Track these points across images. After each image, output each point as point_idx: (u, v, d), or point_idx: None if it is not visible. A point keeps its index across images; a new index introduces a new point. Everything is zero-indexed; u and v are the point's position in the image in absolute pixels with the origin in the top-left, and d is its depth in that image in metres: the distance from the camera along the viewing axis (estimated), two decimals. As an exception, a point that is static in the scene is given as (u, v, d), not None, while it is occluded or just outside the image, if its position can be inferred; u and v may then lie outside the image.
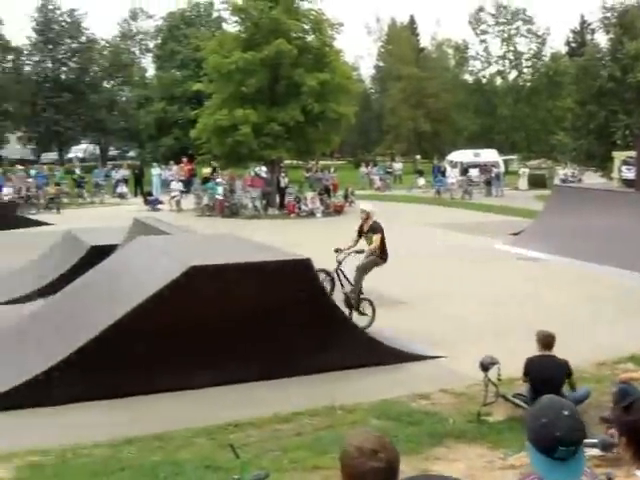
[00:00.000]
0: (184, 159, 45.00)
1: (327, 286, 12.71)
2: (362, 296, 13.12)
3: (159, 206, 35.13)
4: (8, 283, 15.52)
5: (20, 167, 43.93)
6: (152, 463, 7.42)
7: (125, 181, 43.57)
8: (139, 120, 65.14)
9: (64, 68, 71.31)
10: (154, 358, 9.31)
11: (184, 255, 10.67)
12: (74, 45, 70.76)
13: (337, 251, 13.26)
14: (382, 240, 13.10)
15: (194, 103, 49.04)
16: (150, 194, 38.13)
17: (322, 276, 12.45)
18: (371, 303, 13.08)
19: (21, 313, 11.95)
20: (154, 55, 74.62)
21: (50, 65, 70.90)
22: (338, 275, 13.15)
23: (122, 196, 41.15)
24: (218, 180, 35.40)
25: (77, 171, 45.28)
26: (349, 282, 13.15)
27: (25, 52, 71.22)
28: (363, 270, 13.03)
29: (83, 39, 71.26)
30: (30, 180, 38.89)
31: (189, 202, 35.59)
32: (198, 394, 9.29)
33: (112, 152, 77.07)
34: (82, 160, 64.57)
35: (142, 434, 8.18)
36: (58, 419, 8.71)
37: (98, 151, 75.56)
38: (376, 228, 13.10)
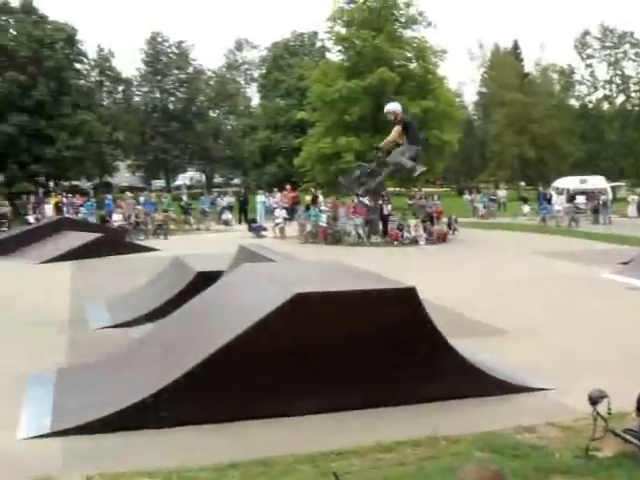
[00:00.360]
0: (288, 186, 45.57)
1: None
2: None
3: (263, 233, 35.63)
4: (118, 307, 15.97)
5: (129, 194, 45.28)
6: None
7: (230, 208, 44.39)
8: (244, 148, 66.46)
9: (172, 98, 73.62)
10: (258, 384, 9.41)
11: (289, 282, 10.76)
12: (182, 76, 73.05)
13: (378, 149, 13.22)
14: (405, 130, 12.89)
15: (298, 131, 49.83)
16: (254, 221, 38.75)
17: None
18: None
19: (130, 336, 12.27)
20: (259, 84, 76.28)
21: (158, 95, 73.28)
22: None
23: (227, 223, 41.92)
24: (322, 207, 35.68)
25: (184, 198, 46.40)
26: None
27: (135, 83, 73.90)
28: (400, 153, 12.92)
29: (190, 70, 73.48)
30: (139, 207, 40.04)
31: (293, 229, 35.95)
32: (301, 420, 9.31)
33: (217, 179, 78.70)
34: (189, 187, 66.16)
35: (246, 459, 8.22)
36: (164, 441, 8.87)
37: (204, 178, 77.27)
38: (400, 120, 12.90)
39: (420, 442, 8.59)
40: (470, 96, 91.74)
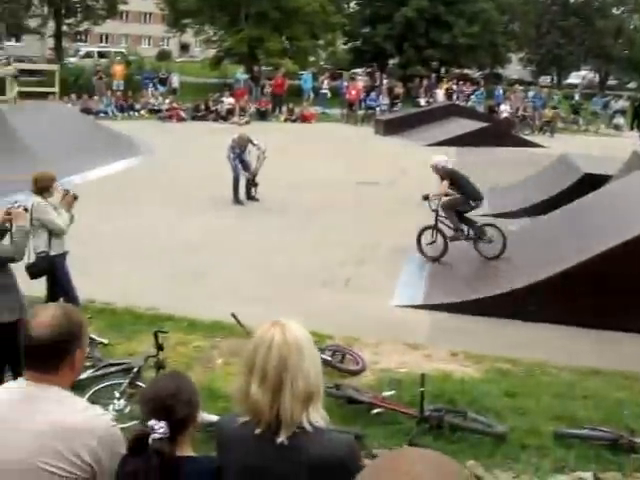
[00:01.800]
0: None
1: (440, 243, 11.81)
2: (477, 224, 11.95)
3: (654, 142, 33.49)
4: (498, 197, 16.05)
5: (519, 87, 44.65)
6: (616, 399, 7.33)
7: (623, 112, 42.10)
8: (644, 50, 62.40)
9: (576, -9, 70.70)
10: (633, 296, 9.08)
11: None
12: (590, -32, 69.63)
13: (425, 198, 12.24)
14: (454, 184, 11.93)
15: None
16: (647, 128, 36.54)
17: (429, 234, 11.88)
18: (484, 230, 11.81)
19: (507, 228, 12.35)
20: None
21: (561, -13, 70.73)
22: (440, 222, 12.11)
23: (617, 127, 39.83)
24: None
25: (576, 97, 44.71)
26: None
27: (540, -28, 71.80)
28: (448, 207, 12.00)
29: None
30: (527, 101, 39.44)
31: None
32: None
33: (611, 81, 74.99)
34: (584, 87, 63.89)
35: (608, 368, 8.11)
36: (528, 334, 8.98)
37: (597, 79, 74.07)
38: (442, 175, 12.04)
39: None
40: None
